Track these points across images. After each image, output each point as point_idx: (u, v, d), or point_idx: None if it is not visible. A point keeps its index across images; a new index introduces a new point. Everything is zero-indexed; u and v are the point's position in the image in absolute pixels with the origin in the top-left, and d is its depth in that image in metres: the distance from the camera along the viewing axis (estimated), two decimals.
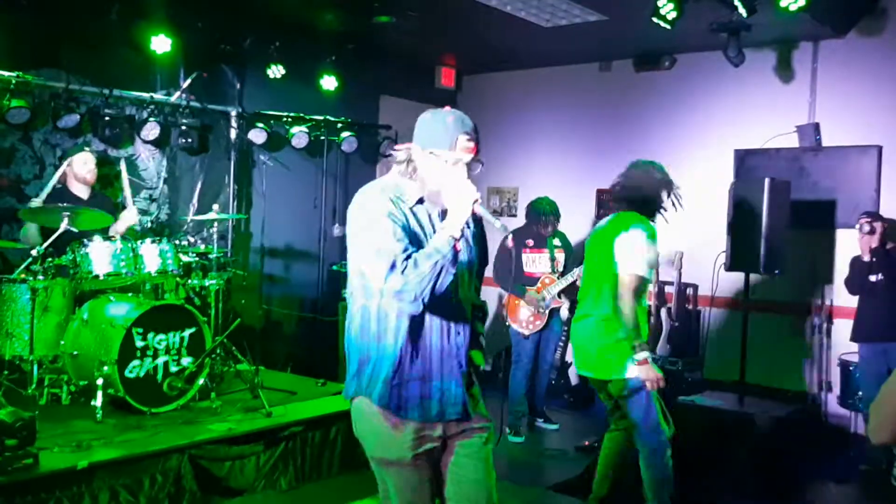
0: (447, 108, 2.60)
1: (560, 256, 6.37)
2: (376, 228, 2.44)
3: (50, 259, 4.86)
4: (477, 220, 2.72)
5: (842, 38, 6.74)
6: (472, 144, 2.53)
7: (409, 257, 2.39)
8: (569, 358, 7.09)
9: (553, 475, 5.40)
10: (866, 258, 5.77)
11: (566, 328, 6.30)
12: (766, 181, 5.62)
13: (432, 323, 2.55)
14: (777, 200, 5.65)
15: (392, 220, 2.46)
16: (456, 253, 2.43)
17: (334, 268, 7.77)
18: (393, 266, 2.37)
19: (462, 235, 2.50)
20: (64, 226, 4.91)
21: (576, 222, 7.38)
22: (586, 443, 5.97)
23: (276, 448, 4.77)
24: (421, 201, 2.58)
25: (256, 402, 5.04)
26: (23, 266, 4.97)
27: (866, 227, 5.76)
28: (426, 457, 2.59)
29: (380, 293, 2.44)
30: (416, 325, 2.52)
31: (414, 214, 2.56)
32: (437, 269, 2.38)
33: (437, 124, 2.54)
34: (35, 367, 4.71)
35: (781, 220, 5.71)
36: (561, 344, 7.03)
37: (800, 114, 6.93)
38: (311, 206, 8.02)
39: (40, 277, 4.74)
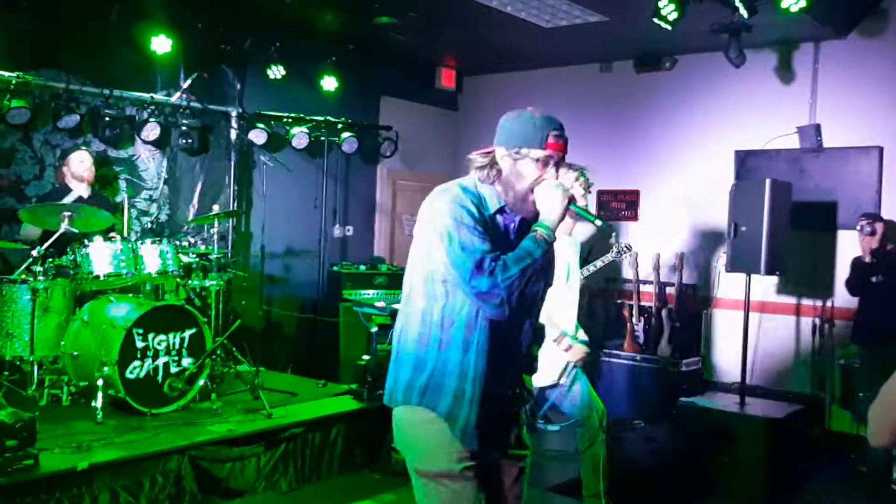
0: (531, 107, 2.47)
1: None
2: (461, 227, 2.31)
3: (50, 260, 4.85)
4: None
5: (843, 38, 6.74)
6: (561, 142, 2.42)
7: (497, 258, 2.28)
8: None
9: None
10: (867, 259, 5.77)
11: None
12: (768, 182, 5.62)
13: (501, 337, 2.41)
14: (778, 201, 5.65)
15: (475, 220, 2.34)
16: (546, 257, 2.34)
17: (335, 269, 7.77)
18: (480, 266, 2.26)
19: (553, 239, 2.38)
20: (64, 227, 4.90)
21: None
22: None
23: (277, 449, 4.76)
24: (501, 210, 2.45)
25: (257, 404, 5.03)
26: (23, 267, 4.96)
27: (867, 229, 5.75)
28: (477, 470, 2.41)
29: (457, 296, 2.34)
30: (486, 336, 2.38)
31: (493, 223, 2.43)
32: (528, 273, 2.28)
33: (525, 123, 2.42)
34: (35, 368, 4.70)
35: (782, 221, 5.70)
36: None
37: (801, 115, 6.93)
38: (312, 206, 8.01)
39: (41, 278, 4.73)
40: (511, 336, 2.45)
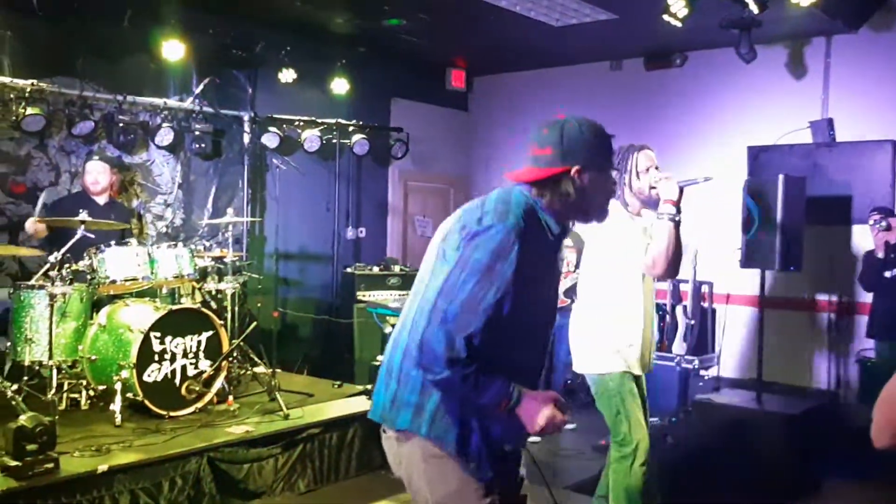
0: (560, 115, 2.30)
1: (571, 256, 6.36)
2: (491, 269, 2.05)
3: (67, 265, 4.89)
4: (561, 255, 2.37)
5: (854, 33, 6.71)
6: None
7: (474, 358, 2.02)
8: None
9: (570, 475, 5.39)
10: (880, 254, 5.74)
11: None
12: (781, 178, 5.59)
13: (524, 366, 2.24)
14: (792, 197, 5.62)
15: (513, 263, 2.06)
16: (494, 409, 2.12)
17: (348, 270, 7.80)
18: (452, 341, 2.01)
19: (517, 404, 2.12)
20: (80, 231, 4.95)
21: None
22: (602, 442, 5.94)
23: (294, 450, 4.78)
24: (561, 233, 2.27)
25: (274, 405, 5.06)
26: (40, 272, 5.01)
27: (882, 224, 5.72)
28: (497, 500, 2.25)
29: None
30: (507, 364, 2.13)
31: (548, 248, 2.26)
32: (463, 403, 2.14)
33: (602, 132, 2.27)
34: (54, 373, 4.73)
35: (796, 216, 5.68)
36: None
37: (813, 110, 6.90)
38: (324, 209, 8.05)
39: (58, 283, 4.76)
40: (534, 361, 2.30)
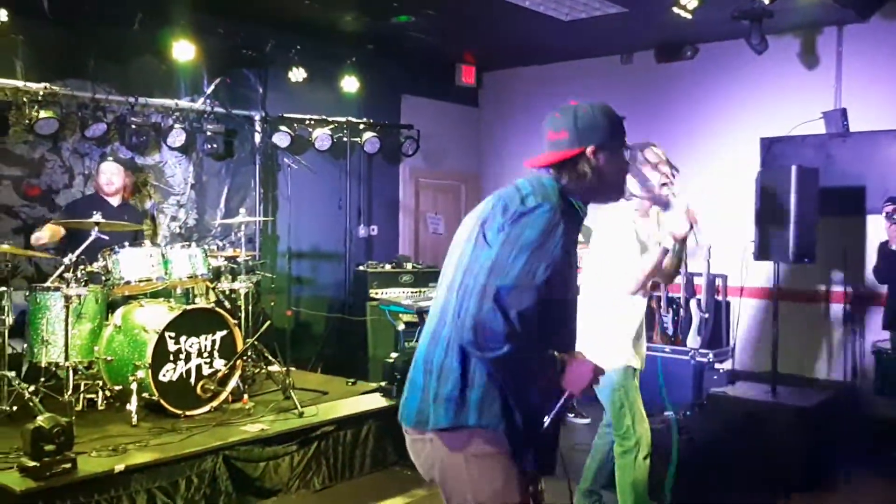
0: (573, 101, 2.36)
1: (582, 251, 6.33)
2: (540, 251, 2.06)
3: (82, 267, 4.93)
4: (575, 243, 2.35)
5: (866, 22, 6.66)
6: None
7: (530, 324, 2.04)
8: None
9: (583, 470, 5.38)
10: (894, 247, 5.69)
11: None
12: (794, 169, 5.56)
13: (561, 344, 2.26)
14: (805, 188, 5.58)
15: (560, 250, 2.10)
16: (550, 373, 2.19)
17: (360, 268, 7.81)
18: (507, 314, 2.01)
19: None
20: (94, 233, 4.99)
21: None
22: None
23: (309, 448, 4.80)
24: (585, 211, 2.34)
25: (288, 403, 5.08)
26: (56, 274, 5.05)
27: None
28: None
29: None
30: (546, 344, 2.19)
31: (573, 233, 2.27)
32: (519, 367, 2.15)
33: (612, 113, 2.33)
34: (71, 374, 4.77)
35: (810, 207, 5.64)
36: None
37: (826, 100, 6.85)
38: (336, 207, 8.07)
39: (73, 285, 4.80)
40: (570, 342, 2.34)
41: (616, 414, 3.78)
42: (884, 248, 5.82)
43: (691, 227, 3.54)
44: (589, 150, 2.25)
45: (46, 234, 5.36)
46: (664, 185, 3.69)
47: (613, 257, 3.74)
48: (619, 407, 3.76)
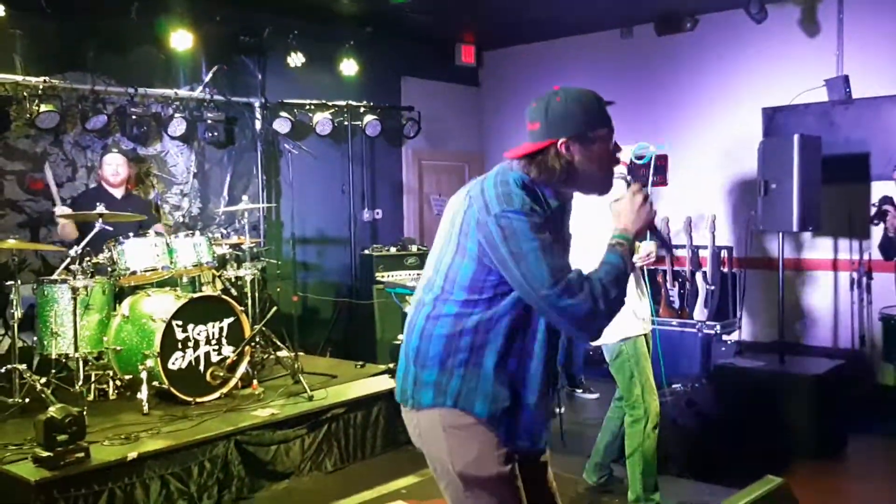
0: (556, 87, 2.26)
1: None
2: (536, 241, 2.07)
3: (88, 258, 4.95)
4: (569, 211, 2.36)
5: None
6: None
7: (586, 277, 2.08)
8: None
9: (592, 444, 5.41)
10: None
11: None
12: (796, 138, 5.55)
13: (545, 339, 2.25)
14: (808, 157, 5.57)
15: (547, 227, 2.11)
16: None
17: (366, 252, 7.83)
18: (570, 288, 2.05)
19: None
20: (99, 225, 5.01)
21: None
22: None
23: (320, 430, 4.84)
24: (561, 205, 2.27)
25: (298, 387, 5.11)
26: (62, 267, 5.08)
27: None
28: (517, 469, 2.29)
29: (504, 300, 2.16)
30: (531, 339, 2.23)
31: (552, 219, 2.22)
32: (619, 290, 2.12)
33: (586, 102, 2.21)
34: (81, 364, 4.81)
35: (813, 176, 5.63)
36: None
37: (828, 67, 6.80)
38: (339, 191, 8.07)
39: (80, 277, 4.83)
40: (553, 336, 2.30)
41: (626, 384, 3.84)
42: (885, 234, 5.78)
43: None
44: (560, 142, 2.16)
45: (62, 231, 5.45)
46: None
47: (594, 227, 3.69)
48: (630, 377, 3.82)
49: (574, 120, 2.17)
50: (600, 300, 2.05)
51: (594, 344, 3.97)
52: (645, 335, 3.91)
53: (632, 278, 3.81)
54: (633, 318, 3.81)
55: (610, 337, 3.79)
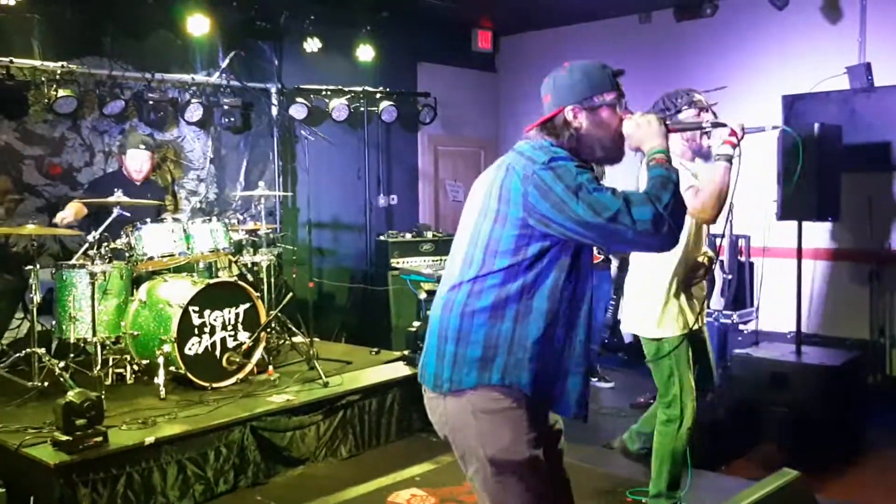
0: (566, 63, 2.39)
1: None
2: (578, 180, 2.13)
3: (106, 244, 4.98)
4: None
5: None
6: (620, 81, 2.35)
7: (634, 193, 2.14)
8: (620, 316, 7.05)
9: (608, 433, 5.41)
10: None
11: (615, 286, 6.26)
12: (816, 126, 5.48)
13: (582, 306, 2.29)
14: (828, 145, 5.50)
15: (581, 167, 2.19)
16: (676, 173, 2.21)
17: (381, 238, 7.83)
18: (628, 202, 2.11)
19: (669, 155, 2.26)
20: (117, 211, 5.04)
21: (622, 179, 7.29)
22: (641, 399, 5.96)
23: (335, 417, 4.86)
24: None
25: (313, 373, 5.13)
26: (80, 252, 5.12)
27: None
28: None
29: (541, 265, 2.19)
30: (567, 306, 2.25)
31: None
32: (679, 198, 2.17)
33: (589, 72, 2.32)
34: (99, 349, 4.85)
35: (833, 165, 5.56)
36: (612, 302, 7.00)
37: (849, 55, 6.71)
38: (355, 177, 8.07)
39: (98, 262, 4.86)
40: (590, 304, 2.33)
41: (664, 382, 3.65)
42: None
43: (743, 133, 3.33)
44: (567, 110, 2.29)
45: (70, 212, 5.41)
46: (704, 134, 3.57)
47: None
48: (668, 375, 3.63)
49: (579, 87, 2.30)
50: (658, 205, 2.11)
51: (634, 332, 3.80)
52: (692, 333, 3.66)
53: (676, 277, 3.65)
54: (677, 315, 3.62)
55: (650, 331, 3.67)
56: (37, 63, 5.79)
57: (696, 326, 3.67)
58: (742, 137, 3.32)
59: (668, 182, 2.17)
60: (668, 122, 2.36)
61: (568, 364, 2.28)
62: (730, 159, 3.33)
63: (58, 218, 5.40)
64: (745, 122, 3.32)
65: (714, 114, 3.69)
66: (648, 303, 3.65)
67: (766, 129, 3.36)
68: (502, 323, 2.20)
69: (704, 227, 3.69)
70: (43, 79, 5.80)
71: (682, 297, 3.64)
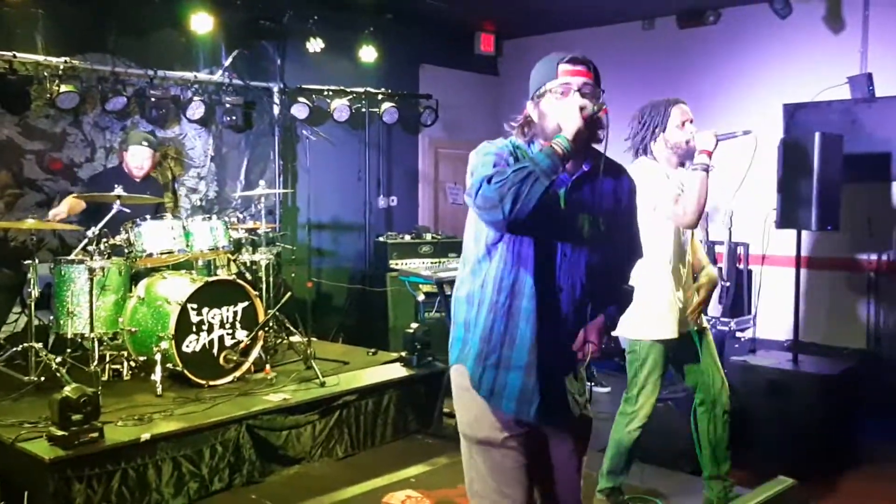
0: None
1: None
2: (481, 160, 2.32)
3: (105, 240, 4.98)
4: (617, 175, 2.48)
5: None
6: (578, 68, 2.35)
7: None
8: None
9: (606, 438, 5.40)
10: None
11: None
12: (817, 135, 5.48)
13: (543, 302, 2.32)
14: (828, 155, 5.51)
15: (497, 154, 2.32)
16: (555, 166, 2.19)
17: (380, 239, 7.83)
18: (484, 181, 2.19)
19: (569, 150, 2.23)
20: (116, 206, 5.04)
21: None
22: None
23: (331, 417, 4.86)
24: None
25: (310, 373, 5.13)
26: (79, 247, 5.11)
27: None
28: (521, 440, 2.38)
29: (496, 256, 2.34)
30: (522, 300, 2.32)
31: None
32: (524, 174, 2.14)
33: (540, 66, 2.42)
34: (96, 345, 4.84)
35: (834, 175, 5.57)
36: None
37: (851, 65, 6.72)
38: (356, 178, 8.08)
39: (97, 258, 4.86)
40: (554, 300, 2.34)
41: (630, 379, 3.85)
42: None
43: (716, 143, 3.61)
44: (528, 105, 2.46)
45: (64, 208, 5.41)
46: (688, 141, 3.70)
47: (652, 206, 3.62)
48: (633, 375, 3.82)
49: (531, 83, 2.45)
50: (494, 179, 2.18)
51: (613, 334, 3.85)
52: (671, 341, 3.73)
53: (670, 282, 3.74)
54: (655, 321, 3.69)
55: (628, 332, 3.73)
56: (40, 58, 5.80)
57: (673, 336, 3.73)
58: (715, 146, 3.60)
59: (525, 164, 2.19)
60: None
61: (511, 358, 2.35)
62: (706, 169, 3.56)
63: (51, 214, 5.40)
64: (715, 129, 3.64)
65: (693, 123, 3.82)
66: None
67: (738, 134, 3.70)
68: (469, 309, 2.43)
69: (688, 231, 3.82)
70: (45, 74, 5.81)
71: (665, 305, 3.72)
